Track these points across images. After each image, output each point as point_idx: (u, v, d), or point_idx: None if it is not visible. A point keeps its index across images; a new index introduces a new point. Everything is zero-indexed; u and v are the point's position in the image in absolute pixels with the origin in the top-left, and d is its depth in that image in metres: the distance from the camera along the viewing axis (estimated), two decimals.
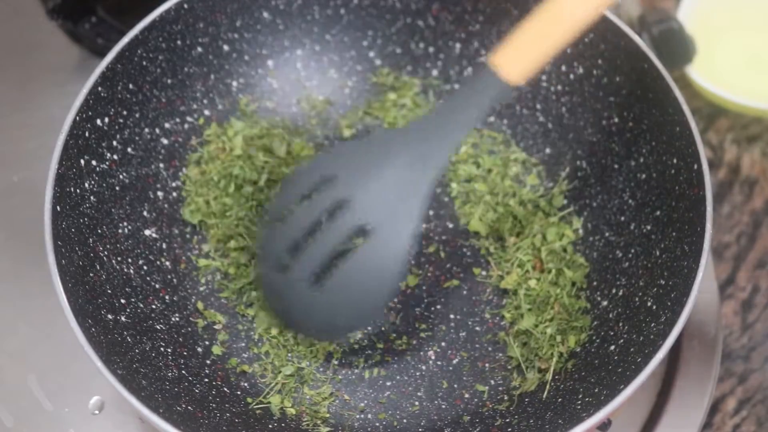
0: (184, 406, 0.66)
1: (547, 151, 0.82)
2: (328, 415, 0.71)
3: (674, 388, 0.75)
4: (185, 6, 0.76)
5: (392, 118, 0.84)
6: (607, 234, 0.76)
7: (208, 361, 0.72)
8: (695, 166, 0.68)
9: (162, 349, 0.70)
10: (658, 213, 0.72)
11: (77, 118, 0.69)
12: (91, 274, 0.68)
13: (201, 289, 0.76)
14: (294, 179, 0.69)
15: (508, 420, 0.69)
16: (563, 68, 0.80)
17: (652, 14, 0.85)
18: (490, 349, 0.74)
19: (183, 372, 0.70)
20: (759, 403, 0.80)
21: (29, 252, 0.81)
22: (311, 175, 0.67)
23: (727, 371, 0.82)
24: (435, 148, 0.64)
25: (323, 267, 0.65)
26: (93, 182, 0.71)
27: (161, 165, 0.78)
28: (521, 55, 0.62)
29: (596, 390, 0.66)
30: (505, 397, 0.71)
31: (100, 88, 0.71)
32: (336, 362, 0.74)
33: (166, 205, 0.78)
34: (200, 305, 0.75)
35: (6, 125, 0.89)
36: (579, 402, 0.66)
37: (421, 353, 0.74)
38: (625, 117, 0.76)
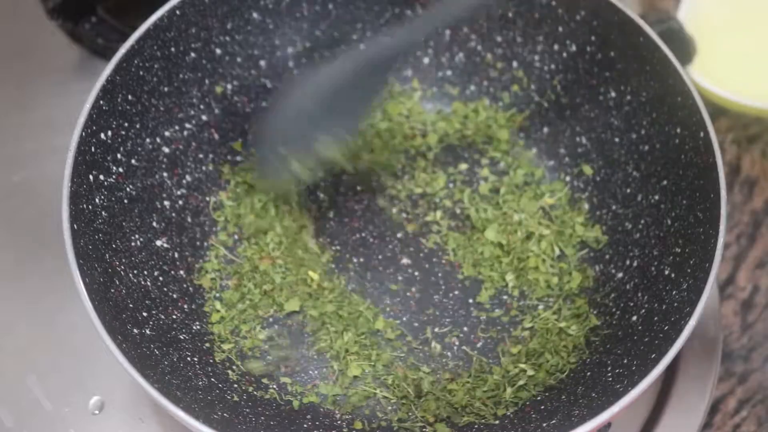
0: (220, 413, 0.65)
1: (545, 130, 0.83)
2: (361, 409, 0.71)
3: (674, 388, 0.76)
4: (177, 12, 0.75)
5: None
6: (613, 207, 0.78)
7: (234, 367, 0.72)
8: (701, 134, 0.69)
9: (189, 358, 0.70)
10: (665, 183, 0.73)
11: (83, 133, 0.68)
12: (112, 290, 0.67)
13: (216, 294, 0.76)
14: None
15: (539, 399, 0.70)
16: (555, 47, 0.81)
17: (652, 14, 0.85)
18: (511, 329, 0.75)
19: (212, 380, 0.69)
20: (759, 403, 0.81)
21: (29, 252, 0.81)
22: None
23: (727, 371, 0.83)
24: None
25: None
26: (103, 197, 0.70)
27: (165, 174, 0.77)
28: None
29: (625, 361, 0.67)
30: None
31: (101, 102, 0.70)
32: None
33: (173, 214, 0.77)
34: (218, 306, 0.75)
35: (6, 125, 0.88)
36: (609, 374, 0.67)
37: (446, 341, 0.75)
38: (622, 91, 0.77)
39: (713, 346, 0.78)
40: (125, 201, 0.73)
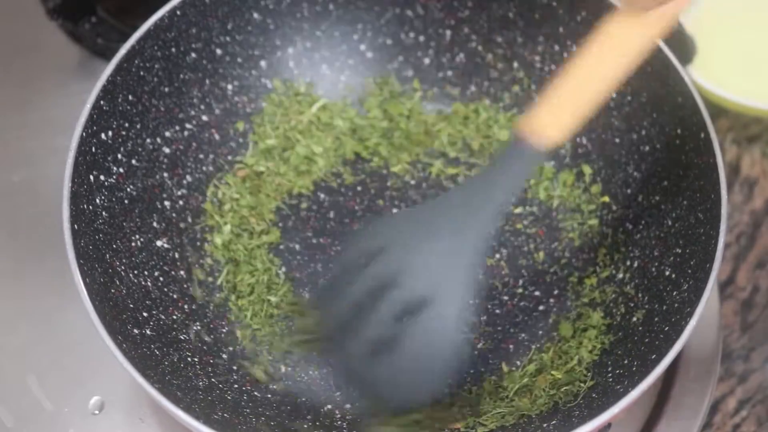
0: (220, 414, 0.65)
1: None
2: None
3: (674, 388, 0.76)
4: (178, 13, 0.76)
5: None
6: (614, 207, 0.78)
7: (234, 367, 0.72)
8: (701, 135, 0.69)
9: (189, 359, 0.70)
10: (665, 183, 0.73)
11: (83, 133, 0.68)
12: (112, 290, 0.67)
13: (217, 295, 0.76)
14: (342, 256, 0.71)
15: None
16: (556, 48, 0.81)
17: None
18: (511, 330, 0.75)
19: (213, 380, 0.69)
20: (759, 403, 0.81)
21: (29, 252, 0.81)
22: (358, 249, 0.67)
23: (727, 371, 0.82)
24: (477, 218, 0.63)
25: (378, 343, 0.64)
26: (103, 197, 0.70)
27: (165, 174, 0.77)
28: (557, 115, 0.60)
29: (625, 362, 0.67)
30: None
31: (102, 102, 0.70)
32: None
33: (174, 215, 0.77)
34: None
35: (6, 125, 0.88)
36: (609, 375, 0.67)
37: None
38: (623, 91, 0.77)
39: (713, 346, 0.78)
40: (126, 201, 0.73)
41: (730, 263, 0.87)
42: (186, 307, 0.73)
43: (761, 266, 0.87)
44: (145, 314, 0.69)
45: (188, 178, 0.79)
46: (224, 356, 0.73)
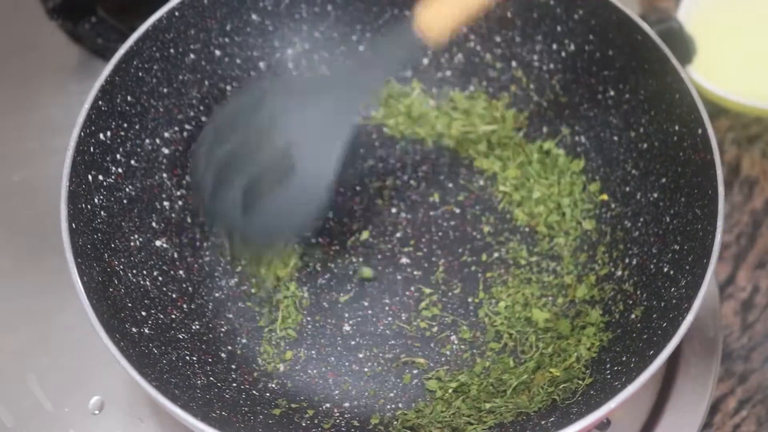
0: (218, 412, 0.65)
1: (544, 129, 0.83)
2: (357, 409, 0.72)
3: (674, 388, 0.76)
4: (176, 14, 0.76)
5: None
6: (613, 205, 0.78)
7: (233, 366, 0.72)
8: (699, 131, 0.69)
9: (187, 357, 0.70)
10: (663, 180, 0.73)
11: (82, 133, 0.69)
12: (110, 289, 0.67)
13: (216, 295, 0.76)
14: (222, 115, 0.72)
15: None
16: (554, 46, 0.81)
17: (652, 14, 0.85)
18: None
19: (211, 379, 0.69)
20: (759, 403, 0.81)
21: (29, 252, 0.82)
22: (240, 110, 0.70)
23: (727, 371, 0.82)
24: (356, 93, 0.68)
25: (252, 197, 0.68)
26: (102, 197, 0.71)
27: (164, 175, 0.77)
28: (441, 14, 0.65)
29: (623, 358, 0.67)
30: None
31: (100, 102, 0.71)
32: (361, 355, 0.74)
33: (173, 215, 0.77)
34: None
35: (6, 125, 0.89)
36: (608, 371, 0.67)
37: (445, 339, 0.75)
38: (621, 89, 0.77)
39: (713, 346, 0.78)
40: (124, 201, 0.73)
41: (730, 263, 0.87)
42: (185, 306, 0.74)
43: (761, 266, 0.87)
44: (143, 313, 0.69)
45: (187, 178, 0.79)
46: (223, 355, 0.73)
